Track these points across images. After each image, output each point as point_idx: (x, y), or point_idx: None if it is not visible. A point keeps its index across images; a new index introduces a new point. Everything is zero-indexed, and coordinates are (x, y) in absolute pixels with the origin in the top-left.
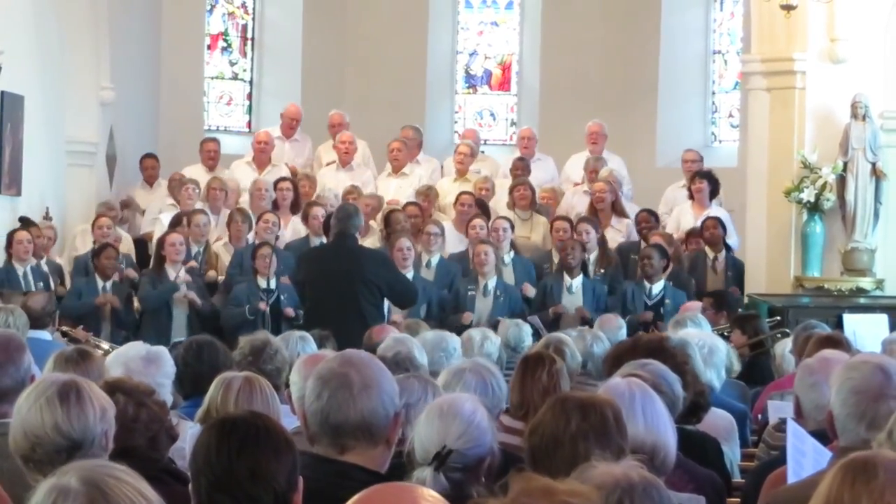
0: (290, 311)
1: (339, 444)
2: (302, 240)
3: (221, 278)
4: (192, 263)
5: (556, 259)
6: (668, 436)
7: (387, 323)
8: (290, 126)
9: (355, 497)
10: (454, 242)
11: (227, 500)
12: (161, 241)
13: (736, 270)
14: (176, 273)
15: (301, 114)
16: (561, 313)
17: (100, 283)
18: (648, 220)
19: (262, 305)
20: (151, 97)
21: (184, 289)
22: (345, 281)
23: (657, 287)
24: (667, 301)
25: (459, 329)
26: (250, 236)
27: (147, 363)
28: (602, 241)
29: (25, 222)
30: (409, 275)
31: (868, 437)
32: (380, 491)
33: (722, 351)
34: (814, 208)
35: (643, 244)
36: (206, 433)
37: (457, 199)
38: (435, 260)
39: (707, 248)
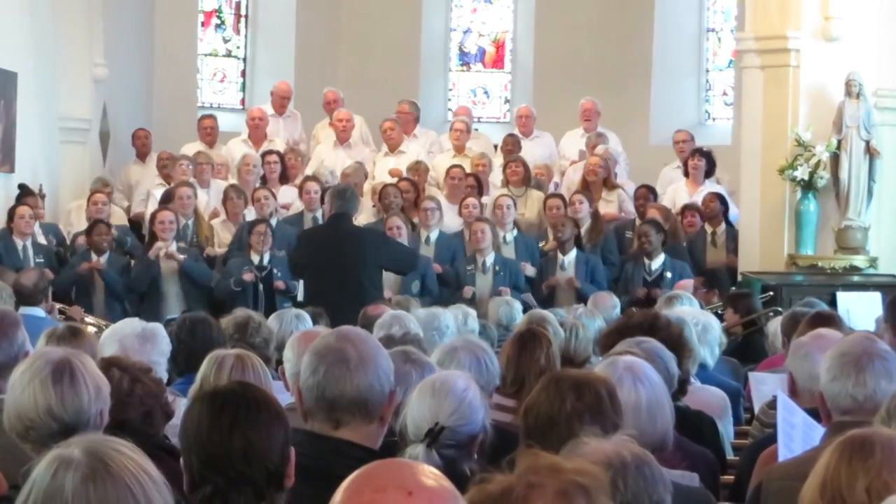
0: (280, 284)
1: (334, 420)
2: (295, 215)
3: (220, 251)
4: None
5: (550, 236)
6: (666, 417)
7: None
8: (281, 104)
9: (354, 474)
10: (448, 216)
11: (221, 479)
12: (152, 218)
13: (735, 243)
14: (165, 251)
15: (291, 91)
16: (553, 286)
17: (94, 257)
18: (647, 196)
19: (248, 276)
20: (145, 74)
21: (161, 253)
22: (347, 264)
23: (656, 262)
24: (667, 274)
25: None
26: (248, 211)
27: (142, 341)
28: (595, 214)
29: (24, 191)
30: None
31: (855, 394)
32: (379, 467)
33: (716, 329)
34: (807, 186)
35: (638, 221)
36: (196, 408)
37: (447, 172)
38: (434, 235)
39: (706, 224)
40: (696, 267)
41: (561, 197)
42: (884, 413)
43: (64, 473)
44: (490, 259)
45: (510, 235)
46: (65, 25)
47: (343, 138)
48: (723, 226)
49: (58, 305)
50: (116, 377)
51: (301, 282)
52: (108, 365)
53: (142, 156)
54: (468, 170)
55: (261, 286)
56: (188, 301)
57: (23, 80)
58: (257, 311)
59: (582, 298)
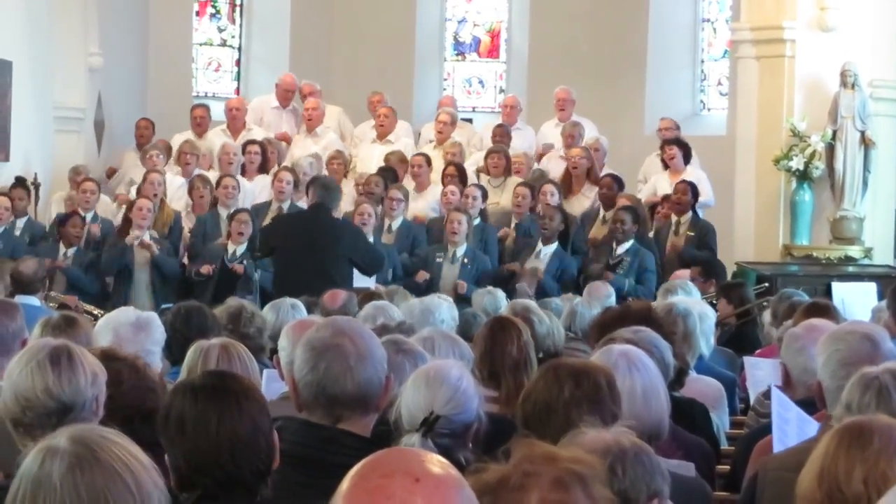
0: (238, 267)
1: (335, 415)
2: (262, 204)
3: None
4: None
5: (514, 221)
6: (661, 404)
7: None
8: (285, 97)
9: (362, 461)
10: (414, 204)
11: (210, 482)
12: (130, 206)
13: (700, 230)
14: (141, 238)
15: (296, 84)
16: (514, 271)
17: (62, 249)
18: (611, 185)
19: (205, 269)
20: (140, 63)
21: (137, 241)
22: (318, 251)
23: (622, 248)
24: (625, 259)
25: (415, 289)
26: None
27: (137, 329)
28: (563, 212)
29: (19, 181)
30: (370, 240)
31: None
32: (387, 455)
33: (711, 318)
34: (803, 177)
35: (602, 210)
36: (178, 401)
37: (410, 161)
38: (396, 224)
39: (673, 214)
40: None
41: (530, 187)
42: (841, 409)
43: (51, 462)
44: (461, 251)
45: (474, 223)
46: (60, 14)
47: (310, 127)
48: (689, 215)
49: (52, 293)
50: (141, 363)
51: (258, 272)
52: (111, 357)
53: (141, 146)
54: (439, 160)
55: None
56: (156, 291)
57: (18, 69)
58: (215, 300)
59: (544, 292)
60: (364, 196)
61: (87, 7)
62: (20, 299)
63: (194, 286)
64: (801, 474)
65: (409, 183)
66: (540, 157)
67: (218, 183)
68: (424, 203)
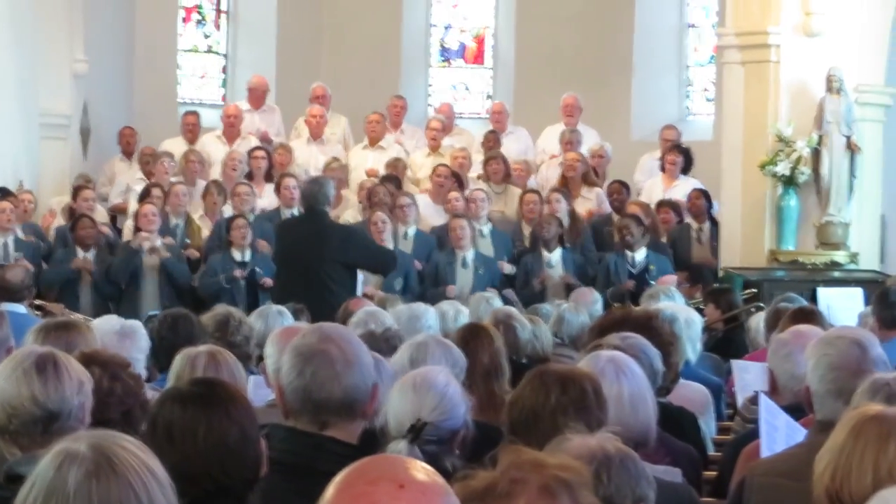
0: (267, 281)
1: (321, 421)
2: (273, 211)
3: (196, 254)
4: (169, 240)
5: (526, 232)
6: (649, 410)
7: (360, 296)
8: (258, 98)
9: (347, 468)
10: (431, 214)
11: (200, 492)
12: (136, 214)
13: (718, 241)
14: (151, 243)
15: (267, 84)
16: (545, 283)
17: (80, 252)
18: (620, 191)
19: (238, 273)
20: (125, 70)
21: (146, 245)
22: (309, 257)
23: (640, 255)
24: (651, 267)
25: (434, 298)
26: (226, 208)
27: (121, 337)
28: (572, 213)
29: (4, 192)
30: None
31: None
32: (372, 461)
33: (697, 324)
34: (788, 182)
35: (615, 216)
36: (166, 409)
37: (434, 170)
38: (412, 232)
39: (692, 220)
40: (682, 262)
41: (538, 193)
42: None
43: (69, 468)
44: (470, 255)
45: (486, 229)
46: (45, 21)
47: (316, 134)
48: (707, 223)
49: (37, 301)
50: (97, 375)
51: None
52: (87, 361)
53: (127, 154)
54: (428, 168)
55: (242, 283)
56: (163, 299)
57: (3, 76)
58: (238, 307)
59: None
60: (377, 205)
61: (72, 13)
62: (6, 307)
63: (215, 294)
64: (818, 458)
65: (409, 187)
66: (552, 156)
67: (233, 190)
68: (443, 217)
